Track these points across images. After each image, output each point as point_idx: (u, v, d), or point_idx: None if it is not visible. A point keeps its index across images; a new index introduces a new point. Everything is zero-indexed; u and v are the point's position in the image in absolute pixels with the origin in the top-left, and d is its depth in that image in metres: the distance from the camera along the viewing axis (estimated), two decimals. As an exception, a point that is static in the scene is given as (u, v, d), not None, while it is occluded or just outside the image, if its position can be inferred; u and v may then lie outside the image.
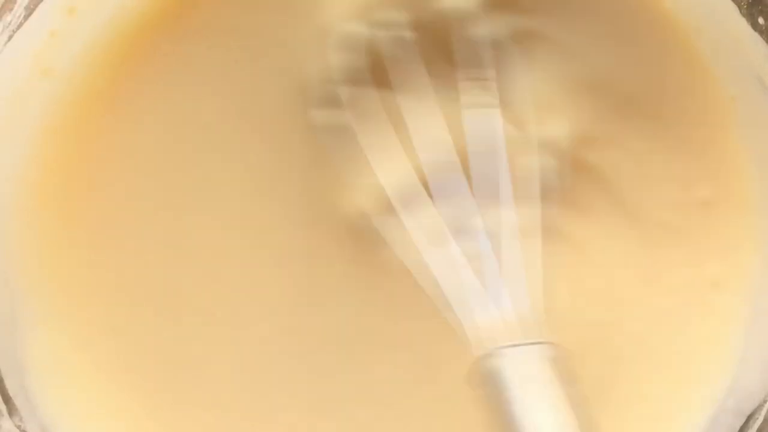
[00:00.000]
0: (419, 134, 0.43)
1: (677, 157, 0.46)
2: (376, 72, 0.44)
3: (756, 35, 0.45)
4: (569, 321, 0.46)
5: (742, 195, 0.47)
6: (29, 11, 0.44)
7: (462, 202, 0.42)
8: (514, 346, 0.38)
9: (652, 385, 0.46)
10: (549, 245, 0.42)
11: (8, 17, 0.44)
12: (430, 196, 0.42)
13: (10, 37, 0.44)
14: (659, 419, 0.46)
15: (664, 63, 0.46)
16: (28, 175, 0.45)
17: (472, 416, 0.39)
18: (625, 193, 0.46)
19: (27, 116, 0.45)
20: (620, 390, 0.46)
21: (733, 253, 0.47)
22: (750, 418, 0.46)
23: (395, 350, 0.45)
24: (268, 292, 0.46)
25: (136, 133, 0.45)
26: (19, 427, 0.44)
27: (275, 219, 0.46)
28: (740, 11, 0.45)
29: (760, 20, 0.45)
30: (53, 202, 0.45)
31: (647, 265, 0.46)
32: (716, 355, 0.46)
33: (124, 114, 0.45)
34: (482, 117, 0.43)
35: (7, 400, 0.44)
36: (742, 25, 0.45)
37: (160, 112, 0.46)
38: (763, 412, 0.46)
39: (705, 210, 0.46)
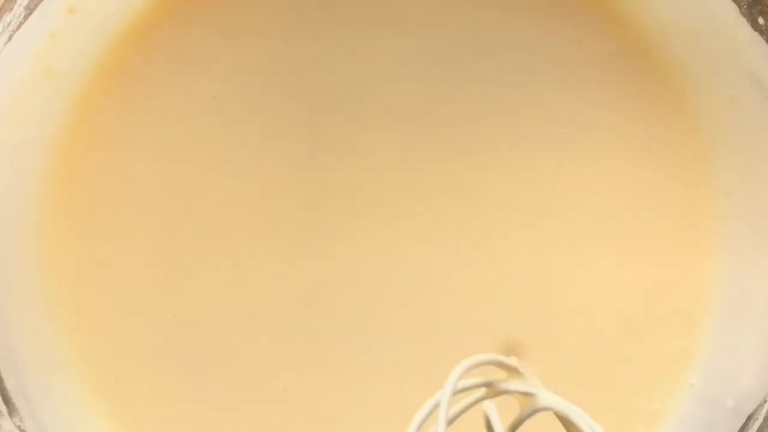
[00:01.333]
0: None
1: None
2: None
3: (756, 35, 0.45)
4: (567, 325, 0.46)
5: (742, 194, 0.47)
6: (29, 11, 0.44)
7: None
8: None
9: (649, 385, 0.46)
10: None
11: (8, 17, 0.44)
12: None
13: (10, 38, 0.44)
14: (658, 419, 0.46)
15: (660, 73, 0.46)
16: (31, 174, 0.45)
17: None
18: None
19: (29, 116, 0.45)
20: (617, 390, 0.46)
21: (729, 255, 0.47)
22: (750, 418, 0.46)
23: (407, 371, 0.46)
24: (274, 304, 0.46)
25: (143, 134, 0.46)
26: (19, 427, 0.44)
27: (279, 222, 0.46)
28: (740, 11, 0.45)
29: (760, 20, 0.45)
30: (55, 200, 0.45)
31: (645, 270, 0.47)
32: (715, 355, 0.46)
33: (128, 114, 0.46)
34: None
35: (7, 401, 0.44)
36: (742, 25, 0.45)
37: (165, 111, 0.46)
38: (763, 412, 0.45)
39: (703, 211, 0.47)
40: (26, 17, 0.44)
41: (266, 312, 0.46)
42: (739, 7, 0.45)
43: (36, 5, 0.44)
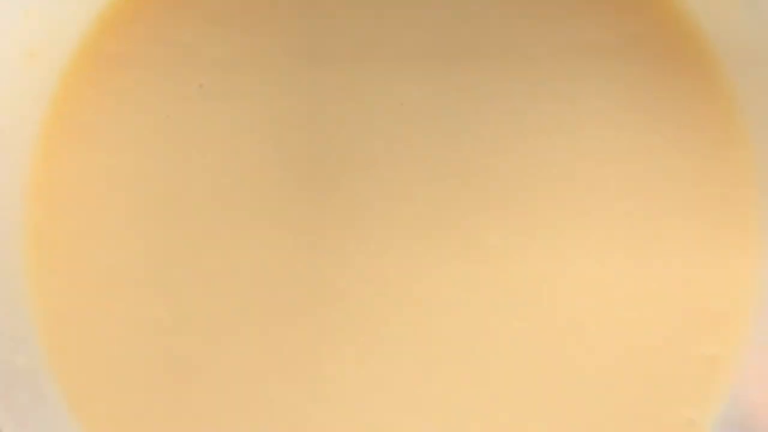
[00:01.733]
0: None
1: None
2: None
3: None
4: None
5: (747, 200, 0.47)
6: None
7: None
8: None
9: (684, 393, 0.46)
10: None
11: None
12: None
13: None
14: (693, 428, 0.46)
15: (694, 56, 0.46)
16: (8, 170, 0.44)
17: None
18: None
19: (2, 106, 0.43)
20: (649, 398, 0.45)
21: (736, 261, 0.46)
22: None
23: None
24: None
25: (126, 125, 0.45)
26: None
27: (268, 219, 0.46)
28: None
29: (770, 20, 0.45)
30: (35, 198, 0.45)
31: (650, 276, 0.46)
32: (753, 361, 0.46)
33: (110, 104, 0.45)
34: None
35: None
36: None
37: (149, 100, 0.45)
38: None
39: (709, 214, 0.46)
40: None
41: (253, 313, 0.45)
42: (749, 8, 0.45)
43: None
